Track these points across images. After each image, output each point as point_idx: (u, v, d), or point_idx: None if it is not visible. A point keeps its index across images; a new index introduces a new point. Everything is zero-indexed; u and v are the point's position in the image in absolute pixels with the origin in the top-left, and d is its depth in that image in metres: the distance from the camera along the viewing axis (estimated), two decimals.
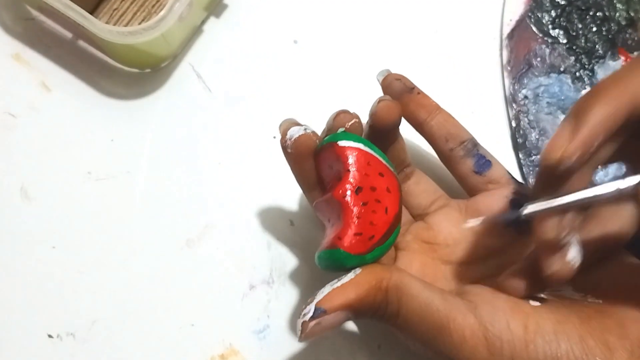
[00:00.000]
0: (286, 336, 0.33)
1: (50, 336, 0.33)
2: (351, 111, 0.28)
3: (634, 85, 0.22)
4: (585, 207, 0.23)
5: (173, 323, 0.34)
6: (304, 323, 0.23)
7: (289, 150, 0.28)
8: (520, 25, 0.38)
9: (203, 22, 0.40)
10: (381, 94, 0.31)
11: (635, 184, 0.21)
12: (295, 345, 0.33)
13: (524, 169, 0.35)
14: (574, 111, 0.23)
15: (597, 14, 0.38)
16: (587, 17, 0.37)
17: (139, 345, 0.33)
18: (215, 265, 0.35)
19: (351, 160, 0.26)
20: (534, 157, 0.35)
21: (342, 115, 0.28)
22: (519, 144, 0.36)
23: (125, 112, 0.38)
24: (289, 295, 0.34)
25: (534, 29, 0.37)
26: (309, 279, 0.34)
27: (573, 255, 0.24)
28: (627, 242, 0.26)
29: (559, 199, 0.22)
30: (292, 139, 0.28)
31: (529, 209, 0.23)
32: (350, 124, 0.27)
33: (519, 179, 0.34)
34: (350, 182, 0.26)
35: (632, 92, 0.22)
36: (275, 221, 0.36)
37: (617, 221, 0.25)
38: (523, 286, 0.26)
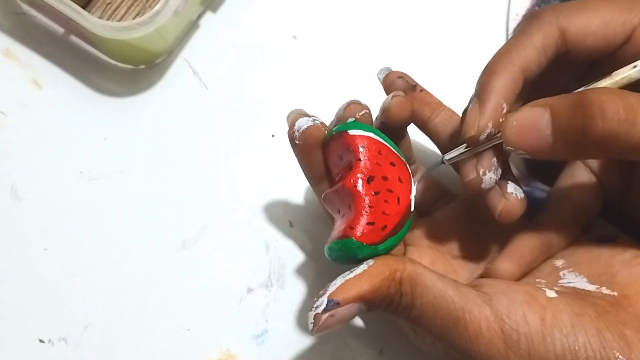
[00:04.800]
0: (285, 341, 0.33)
1: (41, 341, 0.33)
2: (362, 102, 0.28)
3: (519, 55, 0.26)
4: (498, 148, 0.26)
5: (168, 327, 0.33)
6: (316, 315, 0.23)
7: (297, 142, 0.28)
8: None
9: (199, 16, 0.39)
10: (382, 90, 0.31)
11: None
12: (294, 351, 0.33)
13: (528, 163, 0.35)
14: (477, 90, 0.26)
15: None
16: None
17: (133, 351, 0.33)
18: (212, 268, 0.34)
19: (362, 149, 0.26)
20: None
21: (352, 105, 0.28)
22: None
23: (119, 110, 0.37)
24: (288, 298, 0.34)
25: None
26: (309, 281, 0.34)
27: (511, 189, 0.26)
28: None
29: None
30: (301, 130, 0.28)
31: (449, 154, 0.26)
32: (360, 114, 0.28)
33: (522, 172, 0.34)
34: (362, 171, 0.25)
35: (520, 62, 0.25)
36: (274, 222, 0.35)
37: (577, 187, 0.29)
38: (511, 267, 0.27)
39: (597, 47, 0.26)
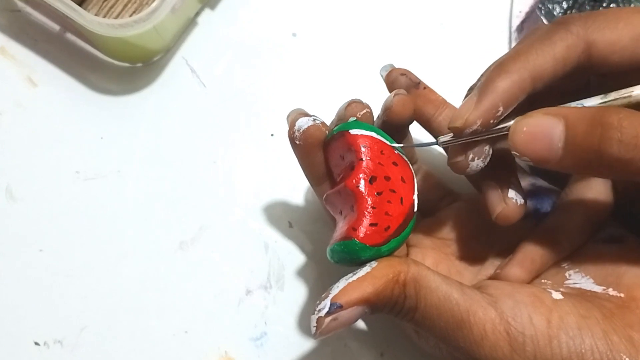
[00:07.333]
0: (284, 344, 0.33)
1: (37, 343, 0.33)
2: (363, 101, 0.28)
3: (533, 60, 0.24)
4: (491, 141, 0.25)
5: (166, 330, 0.33)
6: (319, 319, 0.23)
7: (297, 142, 0.28)
8: (530, 18, 0.37)
9: (197, 14, 0.39)
10: (384, 88, 0.30)
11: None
12: (293, 353, 0.32)
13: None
14: (480, 83, 0.25)
15: (611, 5, 0.36)
16: (600, 9, 0.36)
17: (130, 353, 0.33)
18: (210, 269, 0.34)
19: (364, 149, 0.25)
20: None
21: (353, 104, 0.28)
22: None
23: (116, 109, 0.37)
24: (288, 300, 0.33)
25: (545, 21, 0.37)
26: (309, 283, 0.34)
27: (512, 194, 0.26)
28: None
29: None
30: (301, 130, 0.27)
31: (444, 137, 0.26)
32: (361, 113, 0.27)
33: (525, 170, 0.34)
34: (364, 171, 0.25)
35: (532, 67, 0.24)
36: (273, 223, 0.35)
37: (591, 190, 0.28)
38: (521, 274, 0.27)
39: (623, 63, 0.24)
